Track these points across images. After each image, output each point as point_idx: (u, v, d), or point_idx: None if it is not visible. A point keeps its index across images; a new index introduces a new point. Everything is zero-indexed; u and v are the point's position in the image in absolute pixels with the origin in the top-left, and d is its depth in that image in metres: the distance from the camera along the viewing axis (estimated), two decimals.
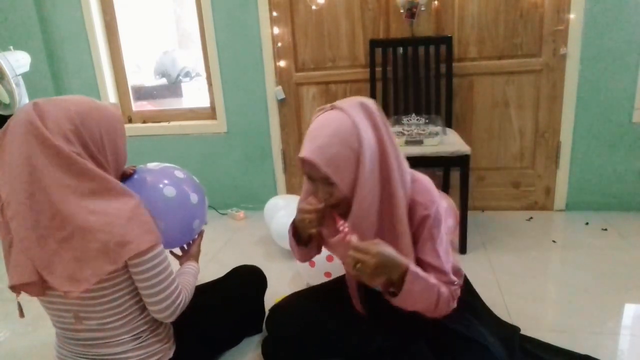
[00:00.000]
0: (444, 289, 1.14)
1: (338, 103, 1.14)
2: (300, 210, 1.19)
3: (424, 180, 1.20)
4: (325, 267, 1.83)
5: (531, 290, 1.88)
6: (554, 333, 1.58)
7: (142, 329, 1.18)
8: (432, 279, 1.12)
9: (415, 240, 1.16)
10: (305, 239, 1.30)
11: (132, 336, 1.16)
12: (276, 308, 1.46)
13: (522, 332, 1.52)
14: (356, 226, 1.12)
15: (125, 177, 1.30)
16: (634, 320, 1.67)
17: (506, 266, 2.09)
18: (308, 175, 1.15)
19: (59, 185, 1.01)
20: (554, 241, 2.34)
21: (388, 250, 1.05)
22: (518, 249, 2.25)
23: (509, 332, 1.48)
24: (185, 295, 1.20)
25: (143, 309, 1.17)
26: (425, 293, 1.11)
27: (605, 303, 1.76)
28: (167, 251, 1.18)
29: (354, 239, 1.07)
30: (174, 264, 1.31)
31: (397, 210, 1.13)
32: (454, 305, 1.18)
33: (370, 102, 1.15)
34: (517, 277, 1.99)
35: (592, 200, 2.64)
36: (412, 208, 1.15)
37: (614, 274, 1.97)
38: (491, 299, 1.72)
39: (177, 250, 1.48)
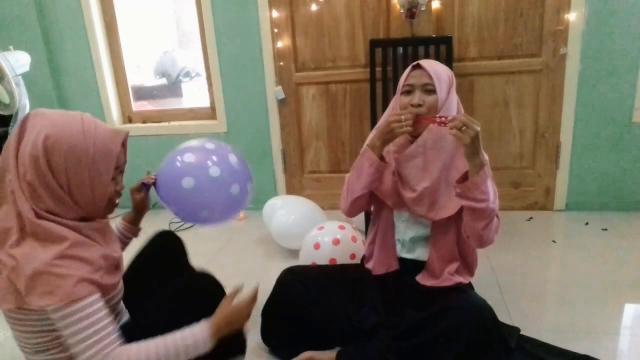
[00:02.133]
0: (496, 219, 1.33)
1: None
2: (394, 113, 1.31)
3: None
4: (330, 252, 1.89)
5: (531, 290, 1.88)
6: (554, 333, 1.58)
7: None
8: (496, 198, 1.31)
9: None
10: (381, 157, 1.36)
11: None
12: (289, 270, 1.56)
13: (523, 332, 1.53)
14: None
15: (147, 187, 1.33)
16: (634, 320, 1.67)
17: (506, 266, 2.09)
18: (410, 84, 1.32)
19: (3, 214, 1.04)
20: (554, 241, 2.34)
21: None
22: (518, 249, 2.25)
23: (510, 333, 1.48)
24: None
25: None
26: (494, 196, 1.28)
27: (605, 303, 1.76)
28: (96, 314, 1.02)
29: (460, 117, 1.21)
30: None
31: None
32: (495, 239, 1.35)
33: None
34: (517, 277, 1.99)
35: (592, 200, 2.64)
36: None
37: (614, 274, 1.97)
38: (491, 299, 1.72)
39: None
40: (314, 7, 2.64)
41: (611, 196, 2.61)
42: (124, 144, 1.12)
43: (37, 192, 1.01)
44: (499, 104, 2.60)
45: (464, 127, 1.16)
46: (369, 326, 1.38)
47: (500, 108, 2.61)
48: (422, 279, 1.43)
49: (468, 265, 1.47)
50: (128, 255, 1.42)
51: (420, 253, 1.46)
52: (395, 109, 1.38)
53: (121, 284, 1.21)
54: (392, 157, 1.39)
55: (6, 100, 2.54)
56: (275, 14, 2.69)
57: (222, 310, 1.15)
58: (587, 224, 2.49)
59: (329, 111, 2.81)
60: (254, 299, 1.21)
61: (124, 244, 1.43)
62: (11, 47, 2.61)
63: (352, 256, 1.88)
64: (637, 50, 2.37)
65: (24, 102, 2.61)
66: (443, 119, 1.24)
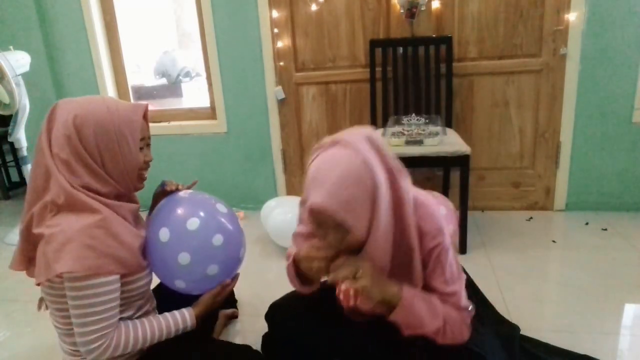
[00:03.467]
0: (453, 314, 1.11)
1: (340, 137, 1.03)
2: (307, 258, 1.11)
3: (427, 202, 1.13)
4: None
5: (531, 290, 1.88)
6: (554, 333, 1.58)
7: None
8: (436, 301, 1.11)
9: (423, 267, 1.13)
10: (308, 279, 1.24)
11: (71, 349, 1.16)
12: (276, 304, 1.45)
13: (523, 332, 1.52)
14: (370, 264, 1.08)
15: (164, 193, 1.34)
16: (634, 320, 1.67)
17: (506, 266, 2.09)
18: (317, 224, 1.05)
19: (37, 191, 1.11)
20: (554, 241, 2.34)
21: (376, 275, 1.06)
22: (518, 249, 2.25)
23: (510, 331, 1.47)
24: (113, 345, 1.08)
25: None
26: (428, 313, 1.08)
27: (605, 303, 1.76)
28: (112, 286, 1.08)
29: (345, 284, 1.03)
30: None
31: (411, 241, 1.08)
32: (468, 333, 1.13)
33: (374, 133, 1.07)
34: (517, 277, 1.99)
35: (592, 200, 2.64)
36: (419, 237, 1.10)
37: (614, 274, 1.97)
38: (491, 299, 1.72)
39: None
40: (314, 7, 2.64)
41: (611, 196, 2.61)
42: (145, 117, 1.19)
43: (73, 167, 1.08)
44: (499, 104, 2.60)
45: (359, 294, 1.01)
46: (371, 350, 1.28)
47: (500, 108, 2.61)
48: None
49: None
50: None
51: None
52: (308, 235, 1.19)
53: (151, 273, 1.25)
54: None
55: (6, 100, 2.54)
56: (275, 14, 2.69)
57: (204, 302, 1.27)
58: (587, 224, 2.49)
59: (329, 111, 2.81)
60: (230, 283, 1.31)
61: None
62: (11, 47, 2.61)
63: None
64: (637, 50, 2.37)
65: (24, 102, 2.61)
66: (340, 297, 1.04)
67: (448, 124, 2.52)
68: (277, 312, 1.42)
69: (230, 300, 1.80)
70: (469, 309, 1.15)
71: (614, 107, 2.47)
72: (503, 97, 2.59)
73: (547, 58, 2.49)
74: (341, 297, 1.03)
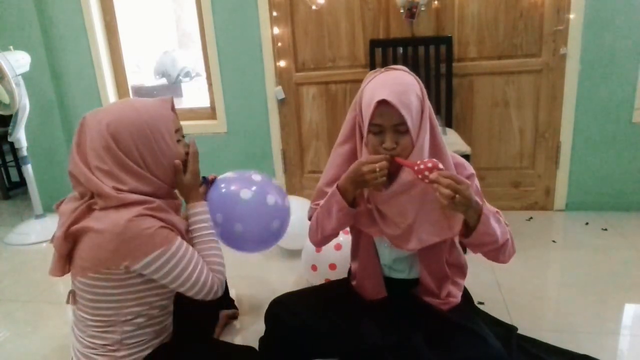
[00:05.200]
0: (507, 229, 1.23)
1: (393, 66, 1.22)
2: (370, 159, 1.15)
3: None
4: (330, 258, 1.84)
5: (531, 290, 1.88)
6: (554, 333, 1.58)
7: (100, 343, 1.15)
8: (502, 222, 1.21)
9: None
10: (352, 201, 1.25)
11: (89, 341, 1.15)
12: (275, 302, 1.45)
13: (522, 332, 1.52)
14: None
15: (207, 182, 1.37)
16: (634, 320, 1.67)
17: (506, 266, 2.08)
18: (378, 126, 1.15)
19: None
20: (554, 241, 2.34)
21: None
22: (518, 249, 2.22)
23: (507, 331, 1.47)
24: (215, 277, 1.18)
25: (124, 323, 1.14)
26: (498, 226, 1.17)
27: (605, 303, 1.76)
28: (180, 245, 1.13)
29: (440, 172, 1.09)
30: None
31: (446, 158, 1.23)
32: (514, 253, 1.26)
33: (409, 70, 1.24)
34: (517, 277, 1.99)
35: (592, 200, 2.64)
36: (455, 167, 1.24)
37: (614, 274, 1.97)
38: (491, 299, 1.73)
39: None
40: (314, 7, 2.64)
41: (611, 196, 2.61)
42: (173, 109, 1.19)
43: (117, 176, 1.08)
44: (499, 104, 2.60)
45: (457, 196, 1.05)
46: (370, 347, 1.28)
47: (500, 108, 2.61)
48: (419, 293, 1.36)
49: (460, 268, 1.42)
50: None
51: (409, 272, 1.38)
52: (363, 150, 1.23)
53: None
54: (369, 193, 1.26)
55: (6, 100, 2.54)
56: (275, 14, 2.69)
57: (187, 187, 1.25)
58: (587, 224, 2.49)
59: (329, 111, 2.81)
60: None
61: None
62: (11, 47, 2.61)
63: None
64: (637, 50, 2.37)
65: (24, 102, 2.61)
66: (423, 171, 1.10)
67: (448, 124, 2.52)
68: (277, 309, 1.42)
69: (228, 301, 1.80)
70: (508, 224, 1.26)
71: (614, 107, 2.47)
72: (503, 97, 2.59)
73: (547, 58, 2.49)
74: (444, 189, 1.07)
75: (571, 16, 2.39)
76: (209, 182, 1.41)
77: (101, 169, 1.08)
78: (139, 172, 1.10)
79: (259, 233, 1.43)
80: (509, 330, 1.50)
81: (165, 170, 1.15)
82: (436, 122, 1.22)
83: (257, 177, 1.47)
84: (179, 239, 1.11)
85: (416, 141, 1.16)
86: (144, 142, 1.10)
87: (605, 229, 2.40)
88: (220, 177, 1.45)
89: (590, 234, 2.37)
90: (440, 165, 1.10)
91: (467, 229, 1.17)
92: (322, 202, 1.29)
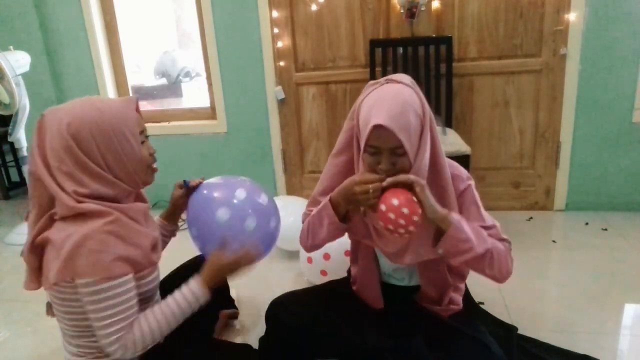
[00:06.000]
0: (497, 243, 1.19)
1: (391, 77, 1.18)
2: (363, 180, 1.12)
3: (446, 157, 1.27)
4: (320, 265, 1.86)
5: (531, 290, 1.88)
6: (554, 333, 1.58)
7: (87, 351, 1.13)
8: (481, 229, 1.17)
9: (459, 211, 1.20)
10: (344, 215, 1.23)
11: (77, 350, 1.14)
12: (275, 303, 1.45)
13: (522, 332, 1.53)
14: None
15: (187, 186, 1.33)
16: (634, 320, 1.67)
17: None
18: (374, 148, 1.10)
19: (40, 208, 1.09)
20: (554, 241, 2.34)
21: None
22: (518, 249, 2.23)
23: (507, 332, 1.48)
24: (129, 339, 1.06)
25: (90, 332, 1.10)
26: (476, 236, 1.13)
27: (605, 303, 1.76)
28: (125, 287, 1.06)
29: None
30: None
31: (445, 177, 1.18)
32: (512, 267, 1.21)
33: (411, 78, 1.21)
34: (517, 277, 1.97)
35: (592, 200, 2.64)
36: (452, 180, 1.21)
37: (614, 274, 1.97)
38: (491, 299, 1.73)
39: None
40: (314, 7, 2.64)
41: (611, 196, 2.61)
42: (137, 110, 1.16)
43: (78, 178, 1.04)
44: (499, 104, 2.60)
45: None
46: (370, 348, 1.28)
47: (500, 108, 2.61)
48: (420, 301, 1.36)
49: (460, 274, 1.39)
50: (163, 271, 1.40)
51: (409, 280, 1.37)
52: (360, 163, 1.19)
53: (158, 268, 1.23)
54: (365, 208, 1.22)
55: (6, 100, 2.54)
56: (275, 14, 2.69)
57: (210, 263, 1.20)
58: (587, 224, 2.49)
59: (329, 111, 2.81)
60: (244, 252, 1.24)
61: (164, 242, 1.43)
62: (11, 47, 2.61)
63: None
64: (637, 50, 2.37)
65: (24, 102, 2.61)
66: (397, 221, 1.06)
67: (448, 124, 2.52)
68: (277, 309, 1.42)
69: (228, 301, 1.79)
70: (509, 241, 1.25)
71: (614, 107, 2.47)
72: (503, 97, 2.59)
73: (547, 58, 2.49)
74: (392, 210, 1.05)
75: (571, 16, 2.39)
76: (190, 188, 1.36)
77: (61, 170, 1.03)
78: (101, 174, 1.06)
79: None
80: (509, 330, 1.51)
81: (129, 173, 1.10)
82: (437, 134, 1.18)
83: (242, 193, 1.33)
84: (124, 278, 1.04)
85: (414, 162, 1.11)
86: (106, 143, 1.05)
87: (605, 229, 2.40)
88: (205, 183, 1.37)
89: (590, 234, 2.37)
90: (415, 218, 1.05)
91: (438, 236, 1.13)
92: (315, 210, 1.28)
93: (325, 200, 1.23)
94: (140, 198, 1.21)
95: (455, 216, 1.12)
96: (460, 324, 1.27)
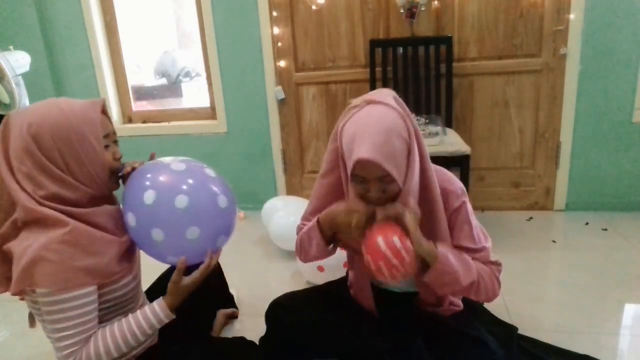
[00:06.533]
0: (485, 268, 1.19)
1: (372, 97, 1.09)
2: (348, 211, 1.09)
3: (442, 168, 1.24)
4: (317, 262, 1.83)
5: (531, 290, 1.88)
6: (553, 333, 1.58)
7: None
8: (467, 257, 1.16)
9: (451, 228, 1.19)
10: (331, 238, 1.22)
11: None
12: (276, 303, 1.45)
13: (522, 332, 1.52)
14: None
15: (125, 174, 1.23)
16: (634, 320, 1.67)
17: (506, 266, 2.07)
18: (361, 177, 1.06)
19: (2, 209, 1.06)
20: (554, 241, 2.34)
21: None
22: (518, 249, 2.25)
23: (507, 331, 1.47)
24: (90, 358, 1.04)
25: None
26: (462, 267, 1.12)
27: (605, 303, 1.76)
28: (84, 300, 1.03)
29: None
30: None
31: (434, 195, 1.16)
32: (499, 289, 1.22)
33: (394, 93, 1.13)
34: (517, 277, 1.99)
35: (592, 200, 2.64)
36: (444, 197, 1.17)
37: (614, 274, 1.97)
38: None
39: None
40: (314, 7, 2.64)
41: (611, 196, 2.61)
42: (104, 112, 1.12)
43: (37, 179, 1.02)
44: (499, 104, 2.60)
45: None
46: (370, 349, 1.28)
47: (500, 108, 2.61)
48: (419, 304, 1.35)
49: None
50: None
51: (407, 287, 1.35)
52: (347, 189, 1.16)
53: (136, 270, 1.20)
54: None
55: (6, 100, 2.54)
56: (275, 13, 2.69)
57: (170, 291, 1.15)
58: (587, 224, 2.49)
59: (329, 111, 2.81)
60: (205, 268, 1.18)
61: None
62: (11, 47, 2.61)
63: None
64: (637, 50, 2.37)
65: (24, 102, 2.61)
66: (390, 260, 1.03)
67: (448, 124, 2.52)
68: (278, 310, 1.42)
69: (227, 300, 1.79)
70: (499, 263, 1.24)
71: (614, 107, 2.47)
72: (503, 97, 2.59)
73: (547, 58, 2.49)
74: (382, 247, 1.02)
75: (571, 16, 2.39)
76: (125, 174, 1.21)
77: (21, 171, 1.02)
78: (61, 177, 1.03)
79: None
80: (509, 330, 1.50)
81: (91, 176, 1.07)
82: (424, 147, 1.13)
83: (183, 201, 1.12)
84: (82, 291, 1.02)
85: (404, 185, 1.07)
86: (67, 145, 1.03)
87: (605, 229, 2.40)
88: (148, 164, 1.22)
89: (590, 234, 2.37)
90: (402, 267, 1.02)
91: (424, 267, 1.11)
92: (305, 227, 1.26)
93: (313, 221, 1.21)
94: (109, 200, 1.16)
95: (441, 249, 1.09)
96: (460, 324, 1.27)
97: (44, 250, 0.98)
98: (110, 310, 1.13)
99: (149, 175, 1.16)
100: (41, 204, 1.01)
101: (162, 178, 1.15)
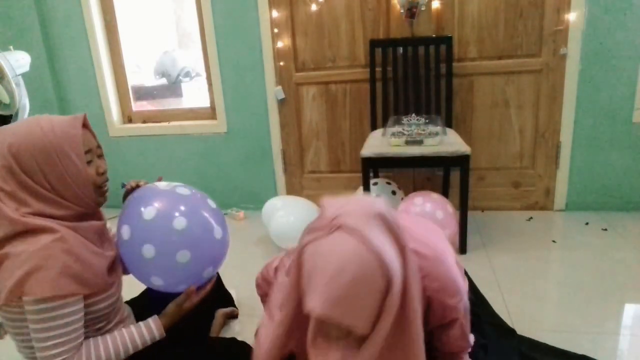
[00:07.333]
0: None
1: (343, 220, 0.80)
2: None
3: (441, 253, 1.00)
4: None
5: (531, 290, 1.88)
6: (553, 333, 1.58)
7: None
8: None
9: (442, 331, 1.08)
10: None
11: None
12: None
13: (522, 332, 1.53)
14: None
15: (124, 188, 1.29)
16: (634, 320, 1.67)
17: (506, 266, 2.09)
18: (318, 325, 0.88)
19: None
20: (554, 241, 2.34)
21: None
22: (518, 249, 2.25)
23: (508, 334, 1.47)
24: None
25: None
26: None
27: (605, 303, 1.76)
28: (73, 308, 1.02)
29: None
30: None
31: (413, 341, 0.89)
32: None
33: (381, 205, 0.85)
34: (517, 277, 1.99)
35: (592, 200, 2.64)
36: (437, 308, 1.00)
37: (614, 274, 1.97)
38: (491, 299, 1.72)
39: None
40: (314, 7, 2.64)
41: (611, 196, 2.61)
42: (85, 126, 1.12)
43: (20, 198, 1.02)
44: (499, 104, 2.60)
45: None
46: None
47: (500, 108, 2.61)
48: None
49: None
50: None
51: None
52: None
53: (118, 284, 1.20)
54: None
55: (6, 100, 2.54)
56: (275, 14, 2.69)
57: (169, 311, 1.23)
58: (587, 224, 2.49)
59: (329, 111, 2.81)
60: (194, 291, 1.25)
61: None
62: (11, 47, 2.61)
63: None
64: (637, 50, 2.37)
65: (24, 102, 2.61)
66: None
67: (448, 124, 2.52)
68: None
69: (227, 299, 1.79)
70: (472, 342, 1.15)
71: (614, 107, 2.47)
72: (503, 97, 2.59)
73: (547, 58, 2.49)
74: None
75: (571, 16, 2.39)
76: (126, 189, 1.31)
77: (4, 190, 1.02)
78: (45, 195, 1.03)
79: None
80: (510, 334, 1.49)
81: (75, 193, 1.07)
82: (414, 294, 0.87)
83: (181, 222, 1.17)
84: (72, 299, 1.01)
85: (373, 330, 0.83)
86: (48, 163, 1.03)
87: (605, 229, 2.40)
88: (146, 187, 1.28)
89: (590, 234, 2.37)
90: None
91: None
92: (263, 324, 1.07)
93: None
94: (95, 217, 1.16)
95: None
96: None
97: (35, 258, 0.97)
98: (87, 324, 1.10)
99: (153, 193, 1.20)
100: (27, 216, 1.01)
101: (165, 197, 1.20)
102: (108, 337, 1.12)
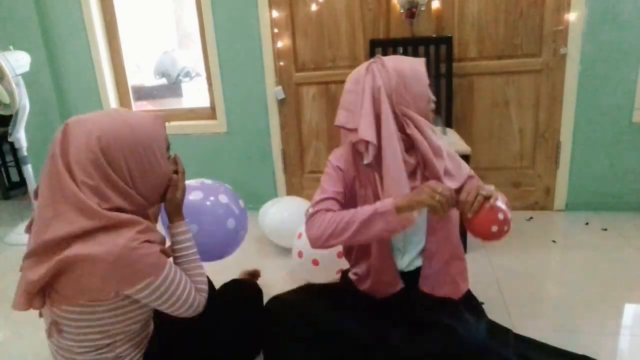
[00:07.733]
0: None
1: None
2: (433, 194, 1.16)
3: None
4: (311, 255, 1.85)
5: (531, 290, 1.88)
6: (554, 333, 1.58)
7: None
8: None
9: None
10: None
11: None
12: (276, 296, 1.46)
13: (522, 332, 1.52)
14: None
15: None
16: (634, 320, 1.67)
17: (506, 266, 2.09)
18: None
19: (65, 219, 1.00)
20: (554, 241, 2.34)
21: None
22: (518, 249, 2.25)
23: (503, 336, 1.47)
24: (199, 295, 1.16)
25: (114, 344, 1.12)
26: None
27: (605, 303, 1.76)
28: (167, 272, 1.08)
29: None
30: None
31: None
32: None
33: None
34: (517, 277, 1.99)
35: (592, 200, 2.64)
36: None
37: (614, 274, 1.97)
38: (491, 299, 1.73)
39: None
40: (314, 7, 2.64)
41: (611, 196, 2.61)
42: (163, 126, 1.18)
43: (103, 192, 1.02)
44: (499, 104, 2.60)
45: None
46: (363, 346, 1.30)
47: (500, 108, 2.61)
48: (423, 284, 1.38)
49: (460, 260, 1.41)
50: None
51: (410, 260, 1.40)
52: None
53: None
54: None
55: (6, 100, 2.54)
56: (275, 14, 2.69)
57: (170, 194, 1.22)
58: (587, 224, 2.49)
59: (329, 111, 2.81)
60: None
61: None
62: (11, 47, 2.61)
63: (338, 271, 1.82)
64: (637, 50, 2.37)
65: (24, 102, 2.61)
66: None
67: (448, 124, 2.52)
68: (275, 306, 1.44)
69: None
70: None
71: (614, 107, 2.47)
72: (503, 97, 2.59)
73: (547, 58, 2.49)
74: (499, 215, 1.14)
75: (571, 16, 2.39)
76: None
77: (87, 184, 1.00)
78: (126, 190, 1.05)
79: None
80: (505, 332, 1.50)
81: (152, 189, 1.12)
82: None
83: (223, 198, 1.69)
84: (169, 263, 1.08)
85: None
86: (136, 161, 1.06)
87: (605, 229, 2.40)
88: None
89: (590, 234, 2.37)
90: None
91: None
92: (347, 211, 1.24)
93: (383, 207, 1.20)
94: (147, 215, 1.18)
95: None
96: (440, 314, 1.28)
97: (128, 249, 0.99)
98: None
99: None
100: (109, 211, 1.02)
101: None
102: (182, 265, 1.20)
